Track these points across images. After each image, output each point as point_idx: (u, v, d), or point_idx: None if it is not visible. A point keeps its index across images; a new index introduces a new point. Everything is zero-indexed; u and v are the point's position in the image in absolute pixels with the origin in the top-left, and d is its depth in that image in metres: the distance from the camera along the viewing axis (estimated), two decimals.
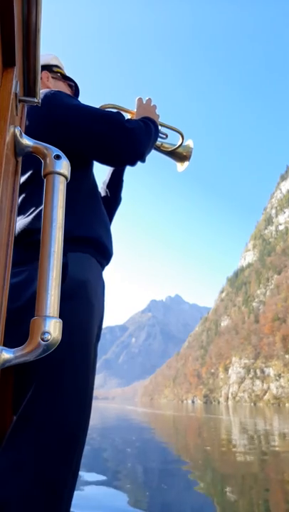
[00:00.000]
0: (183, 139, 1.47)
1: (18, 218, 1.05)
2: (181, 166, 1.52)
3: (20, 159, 0.55)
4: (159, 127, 1.37)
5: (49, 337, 0.41)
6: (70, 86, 1.38)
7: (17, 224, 1.03)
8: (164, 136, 1.47)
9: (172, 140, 1.49)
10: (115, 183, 1.47)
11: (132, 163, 1.19)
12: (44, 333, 0.41)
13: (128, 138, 1.12)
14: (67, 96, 1.14)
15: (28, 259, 0.97)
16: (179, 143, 1.47)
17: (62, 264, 0.45)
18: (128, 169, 1.45)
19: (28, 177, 1.08)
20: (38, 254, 0.46)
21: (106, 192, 1.45)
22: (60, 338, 0.42)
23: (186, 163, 1.51)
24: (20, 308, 0.90)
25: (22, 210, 1.06)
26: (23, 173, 1.08)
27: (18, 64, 0.47)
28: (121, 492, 3.12)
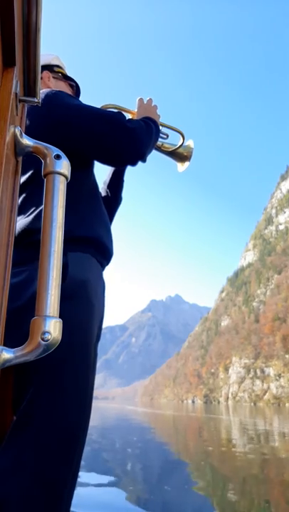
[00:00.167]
0: (183, 139, 1.47)
1: (19, 218, 1.05)
2: (181, 166, 1.52)
3: (20, 159, 0.55)
4: (160, 127, 1.37)
5: (49, 337, 0.41)
6: (71, 86, 1.38)
7: (17, 224, 1.03)
8: (165, 137, 1.47)
9: (173, 140, 1.49)
10: (116, 183, 1.47)
11: (133, 163, 1.18)
12: (44, 332, 0.41)
13: (129, 138, 1.12)
14: (68, 96, 1.14)
15: (28, 258, 0.97)
16: (180, 143, 1.47)
17: (62, 264, 0.45)
18: (129, 169, 1.45)
19: (29, 177, 1.08)
20: (38, 254, 0.46)
21: (106, 192, 1.45)
22: (60, 338, 0.42)
23: (187, 164, 1.51)
24: (21, 308, 0.90)
25: (22, 210, 1.06)
26: (23, 173, 1.08)
27: (19, 64, 0.47)
28: (121, 492, 3.12)
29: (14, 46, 0.43)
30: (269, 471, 4.28)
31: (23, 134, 0.50)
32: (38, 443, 0.84)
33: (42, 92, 1.09)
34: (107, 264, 1.17)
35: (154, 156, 1.37)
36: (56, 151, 0.49)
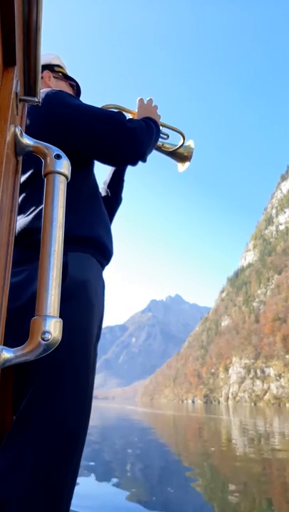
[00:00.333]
0: (184, 139, 1.47)
1: (19, 218, 1.05)
2: (182, 167, 1.52)
3: (20, 159, 0.55)
4: (160, 127, 1.37)
5: (49, 337, 0.41)
6: (71, 86, 1.38)
7: (17, 223, 1.03)
8: (165, 137, 1.47)
9: (173, 140, 1.49)
10: (116, 183, 1.47)
11: (133, 163, 1.18)
12: (44, 332, 0.41)
13: (129, 137, 1.12)
14: (68, 95, 1.14)
15: (29, 258, 0.97)
16: (180, 143, 1.47)
17: (62, 264, 0.45)
18: (129, 169, 1.45)
19: (29, 176, 1.08)
20: (38, 254, 0.46)
21: (107, 192, 1.45)
22: (60, 337, 0.42)
23: (187, 164, 1.51)
24: (21, 308, 0.90)
25: (22, 210, 1.06)
26: (23, 173, 1.08)
27: (19, 63, 0.47)
28: (121, 492, 3.12)
29: (15, 45, 0.43)
30: (269, 471, 4.28)
31: (24, 133, 0.50)
32: (38, 443, 0.84)
33: (42, 91, 1.09)
34: (107, 264, 1.17)
35: (154, 156, 1.37)
36: (56, 150, 0.49)
